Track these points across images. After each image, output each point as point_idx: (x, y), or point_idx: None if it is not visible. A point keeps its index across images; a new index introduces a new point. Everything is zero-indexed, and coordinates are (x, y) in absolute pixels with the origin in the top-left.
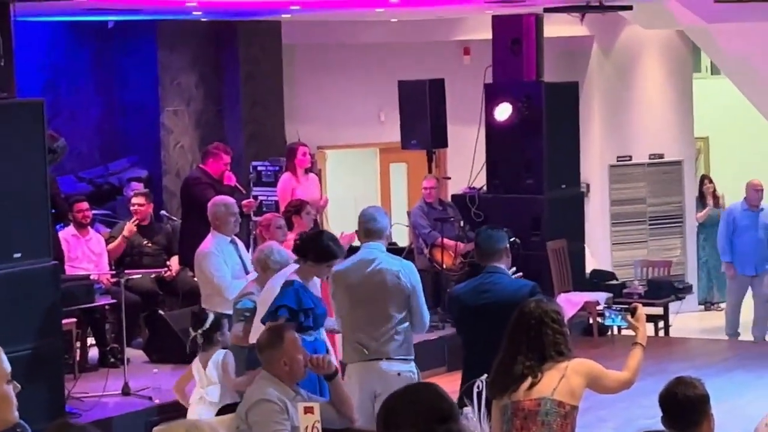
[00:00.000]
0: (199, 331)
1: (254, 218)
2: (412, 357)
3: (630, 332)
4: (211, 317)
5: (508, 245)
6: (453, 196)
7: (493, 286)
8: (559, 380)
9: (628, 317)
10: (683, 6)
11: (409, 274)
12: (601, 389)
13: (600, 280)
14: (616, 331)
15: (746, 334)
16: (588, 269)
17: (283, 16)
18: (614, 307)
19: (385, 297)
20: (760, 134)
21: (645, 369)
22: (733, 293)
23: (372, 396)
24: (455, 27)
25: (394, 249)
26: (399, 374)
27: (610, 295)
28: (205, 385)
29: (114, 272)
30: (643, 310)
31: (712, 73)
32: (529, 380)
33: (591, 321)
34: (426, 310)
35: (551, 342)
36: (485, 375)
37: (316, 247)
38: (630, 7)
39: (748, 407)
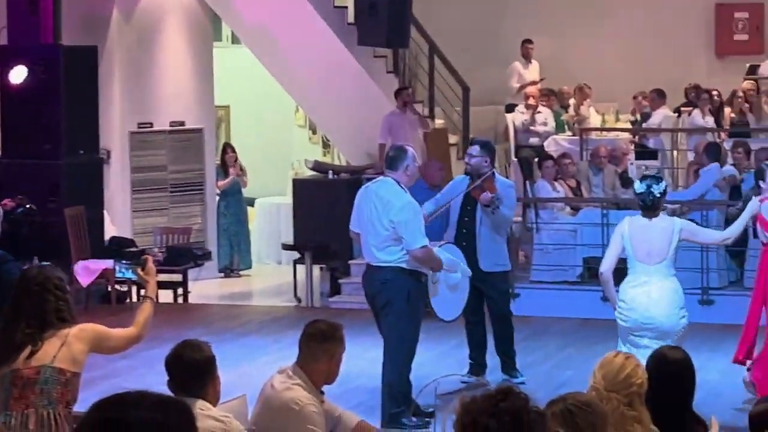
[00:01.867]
0: None
1: None
2: None
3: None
4: None
5: None
6: None
7: None
8: (60, 347)
9: (138, 270)
10: None
11: None
12: (109, 350)
13: (119, 247)
14: (135, 299)
15: None
16: (107, 236)
17: None
18: (125, 261)
19: None
20: (278, 103)
21: (162, 336)
22: None
23: None
24: None
25: None
26: None
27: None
28: None
29: None
30: (152, 264)
31: (232, 42)
32: (29, 348)
33: (109, 288)
34: None
35: (53, 308)
36: None
37: None
38: None
39: (260, 371)
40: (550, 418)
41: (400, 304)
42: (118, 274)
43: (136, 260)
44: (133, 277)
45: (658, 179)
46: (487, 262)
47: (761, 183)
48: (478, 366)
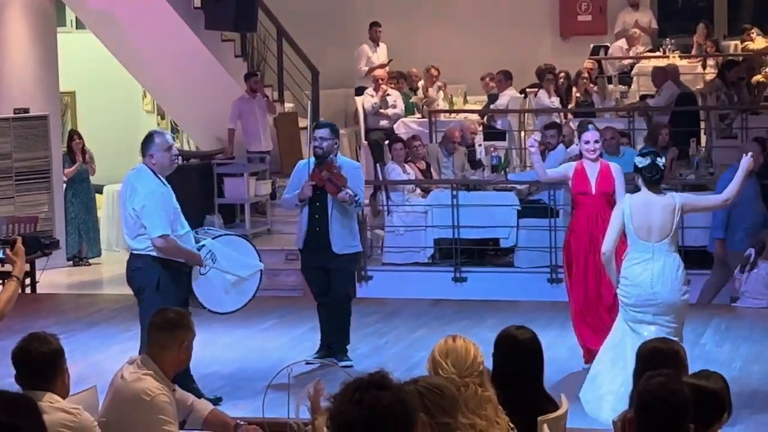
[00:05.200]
0: None
1: None
2: None
3: None
4: None
5: None
6: None
7: None
8: None
9: (7, 250)
10: None
11: None
12: None
13: None
14: None
15: None
16: None
17: None
18: None
19: None
20: (125, 89)
21: (11, 327)
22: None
23: None
24: None
25: None
26: None
27: None
28: None
29: None
30: (21, 245)
31: (77, 28)
32: None
33: None
34: None
35: None
36: None
37: None
38: None
39: (111, 360)
40: None
41: (149, 292)
42: None
43: (3, 240)
44: (2, 257)
45: (657, 152)
46: (340, 244)
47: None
48: (327, 347)
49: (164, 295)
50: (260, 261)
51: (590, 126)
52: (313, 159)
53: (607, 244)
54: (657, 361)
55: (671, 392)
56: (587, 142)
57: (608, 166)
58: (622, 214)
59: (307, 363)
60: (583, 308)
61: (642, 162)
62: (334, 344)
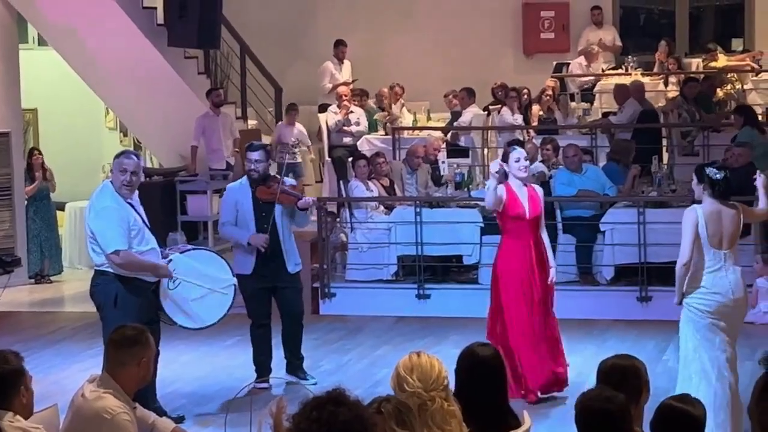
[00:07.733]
0: None
1: None
2: None
3: None
4: None
5: None
6: None
7: None
8: None
9: None
10: None
11: None
12: None
13: None
14: None
15: None
16: None
17: None
18: None
19: None
20: (88, 106)
21: None
22: None
23: None
24: None
25: None
26: None
27: None
28: None
29: None
30: None
31: (39, 45)
32: None
33: None
34: None
35: None
36: None
37: None
38: None
39: (73, 378)
40: (386, 416)
41: (108, 309)
42: None
43: None
44: None
45: (724, 165)
46: (292, 263)
47: (505, 165)
48: (266, 370)
49: (123, 311)
50: (232, 275)
51: (515, 146)
52: (246, 181)
53: (686, 254)
54: (616, 376)
55: (606, 399)
56: (518, 160)
57: (535, 189)
58: (695, 224)
59: (259, 388)
60: (531, 342)
61: (717, 174)
62: (294, 361)
